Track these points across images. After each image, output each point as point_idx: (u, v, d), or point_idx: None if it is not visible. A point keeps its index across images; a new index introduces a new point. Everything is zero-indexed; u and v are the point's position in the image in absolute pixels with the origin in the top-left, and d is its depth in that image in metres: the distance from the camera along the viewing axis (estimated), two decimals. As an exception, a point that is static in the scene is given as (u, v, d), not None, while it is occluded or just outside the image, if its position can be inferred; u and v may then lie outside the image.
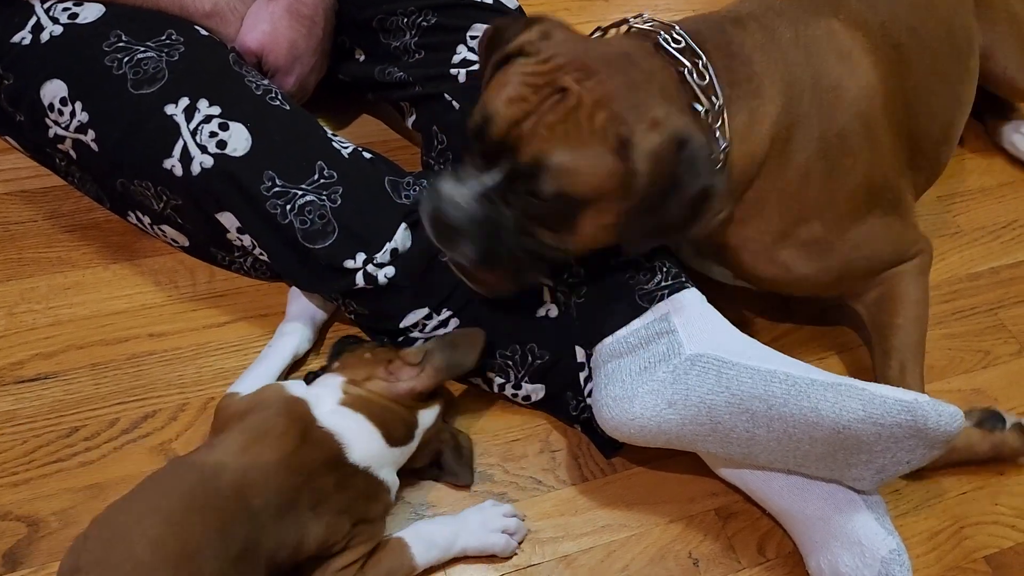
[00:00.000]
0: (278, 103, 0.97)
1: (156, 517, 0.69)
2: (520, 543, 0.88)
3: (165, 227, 1.02)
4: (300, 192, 0.91)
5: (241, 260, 1.02)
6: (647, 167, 0.76)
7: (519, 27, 0.85)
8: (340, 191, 0.92)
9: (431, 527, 0.86)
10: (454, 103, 1.04)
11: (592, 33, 0.91)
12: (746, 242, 0.93)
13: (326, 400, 0.82)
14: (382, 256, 0.90)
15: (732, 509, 0.95)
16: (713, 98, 0.83)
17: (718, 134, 0.83)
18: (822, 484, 0.86)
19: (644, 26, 0.87)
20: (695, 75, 0.82)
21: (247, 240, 0.95)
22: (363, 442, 0.81)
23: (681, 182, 0.77)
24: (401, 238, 0.91)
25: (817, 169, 0.91)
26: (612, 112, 0.76)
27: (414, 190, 0.96)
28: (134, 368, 0.95)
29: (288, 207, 0.90)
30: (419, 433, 0.85)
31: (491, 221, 0.80)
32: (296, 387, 0.85)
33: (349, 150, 0.98)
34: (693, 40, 0.84)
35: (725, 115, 0.84)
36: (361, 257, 0.90)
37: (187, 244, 1.04)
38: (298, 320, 0.98)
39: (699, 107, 0.82)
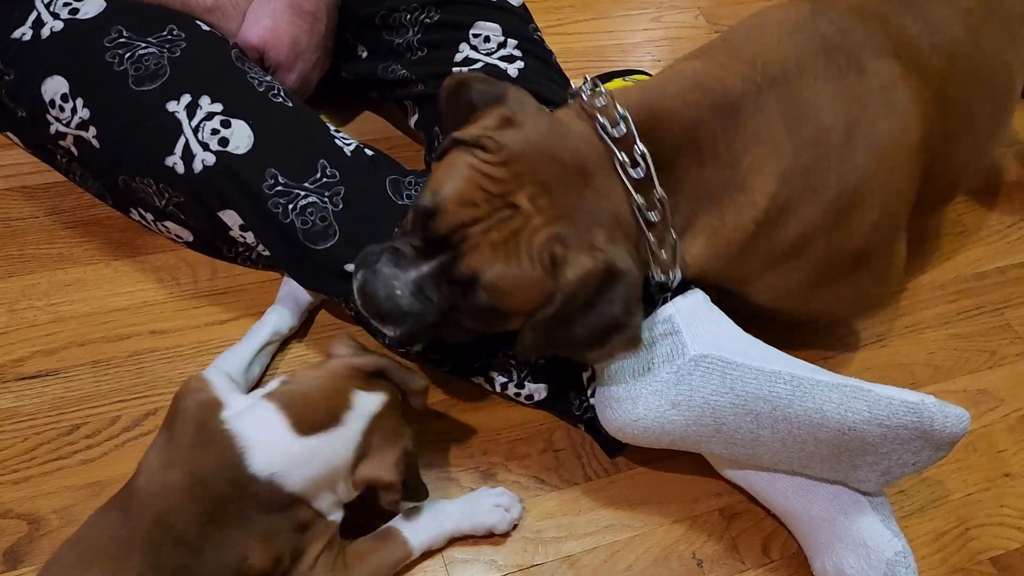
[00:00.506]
0: (280, 100, 0.97)
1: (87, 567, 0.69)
2: (516, 520, 0.89)
3: (168, 223, 1.01)
4: (302, 192, 0.91)
5: (246, 253, 1.02)
6: (570, 287, 0.76)
7: (484, 96, 0.82)
8: (342, 192, 0.91)
9: (424, 511, 0.85)
10: None
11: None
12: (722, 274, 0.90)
13: (240, 399, 0.77)
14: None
15: (736, 509, 0.94)
16: (654, 214, 0.81)
17: (663, 256, 0.83)
18: (827, 485, 0.85)
19: (595, 107, 0.82)
20: (638, 194, 0.80)
21: (250, 237, 0.95)
22: (264, 442, 0.73)
23: (595, 307, 0.78)
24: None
25: (817, 228, 0.87)
26: (554, 234, 0.76)
27: (415, 190, 0.95)
28: (135, 365, 0.95)
29: (290, 207, 0.90)
30: (353, 418, 0.76)
31: (419, 313, 0.80)
32: (219, 384, 0.79)
33: (352, 147, 0.97)
34: (653, 130, 0.80)
35: (672, 240, 0.82)
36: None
37: (191, 239, 1.04)
38: (282, 302, 0.98)
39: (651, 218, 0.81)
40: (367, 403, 0.77)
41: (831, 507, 0.84)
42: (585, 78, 0.86)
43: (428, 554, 0.86)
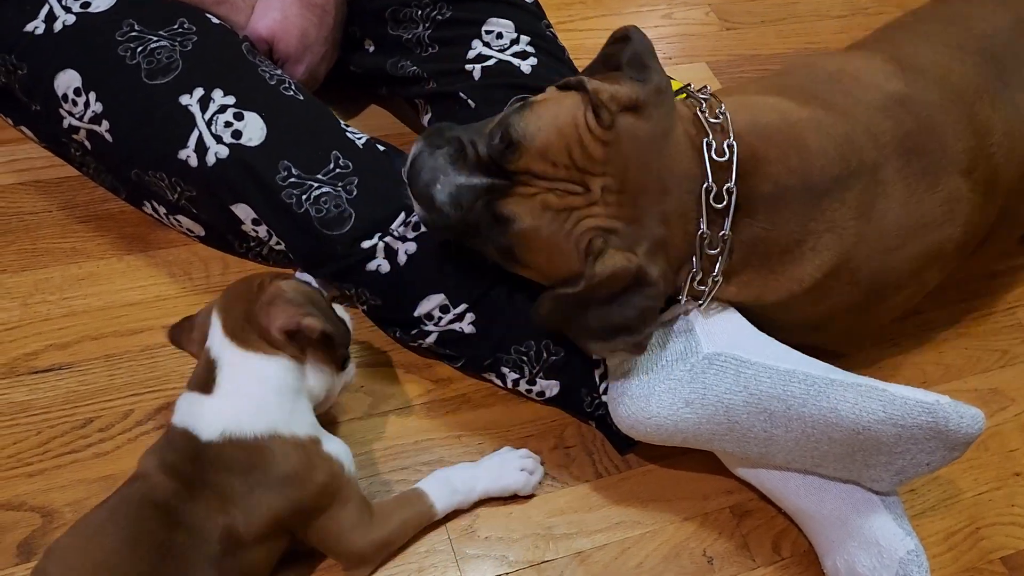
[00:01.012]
0: (292, 93, 0.96)
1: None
2: (539, 482, 0.91)
3: (180, 217, 1.01)
4: (315, 184, 0.91)
5: (258, 248, 1.02)
6: (596, 278, 0.77)
7: (634, 62, 0.81)
8: (355, 181, 0.91)
9: (449, 473, 0.87)
10: (469, 101, 1.04)
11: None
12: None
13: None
14: (402, 228, 0.90)
15: (747, 507, 0.94)
16: (713, 250, 0.81)
17: (700, 288, 0.83)
18: (839, 484, 0.85)
19: (710, 123, 0.81)
20: (710, 200, 0.79)
21: (263, 231, 0.95)
22: (200, 412, 0.76)
23: (613, 304, 0.79)
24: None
25: (845, 308, 0.90)
26: (604, 227, 0.77)
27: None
28: (148, 360, 0.95)
29: (304, 197, 0.90)
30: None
31: (446, 213, 0.81)
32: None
33: (363, 140, 0.97)
34: (746, 173, 0.80)
35: (717, 278, 0.83)
36: (378, 236, 0.90)
37: (203, 234, 1.04)
38: None
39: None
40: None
41: (843, 506, 0.84)
42: (705, 87, 0.87)
43: (439, 551, 0.86)
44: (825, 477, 0.85)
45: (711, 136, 0.80)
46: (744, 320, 0.88)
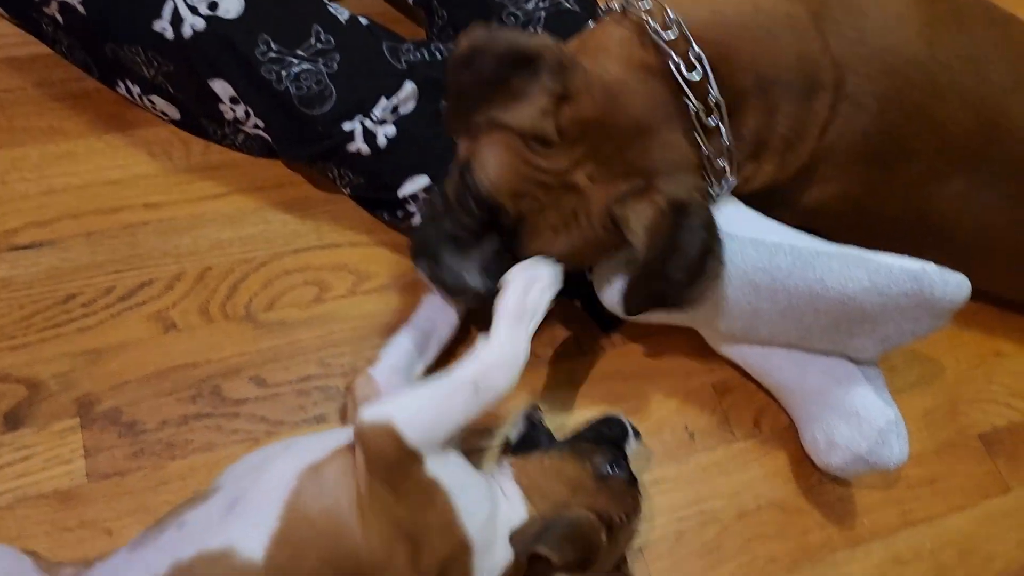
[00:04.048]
0: (270, -37, 0.93)
1: None
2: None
3: (155, 97, 0.99)
4: (296, 60, 0.88)
5: (232, 136, 1.00)
6: (643, 240, 0.73)
7: (511, 60, 0.71)
8: (337, 58, 0.89)
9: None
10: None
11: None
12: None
13: None
14: (382, 112, 0.88)
15: (729, 384, 0.95)
16: (712, 119, 0.76)
17: (719, 164, 0.79)
18: (822, 358, 0.86)
19: (656, 34, 0.75)
20: (703, 122, 0.76)
21: (240, 111, 0.92)
22: None
23: (679, 246, 0.74)
24: (404, 95, 0.88)
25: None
26: (611, 198, 0.74)
27: (414, 55, 0.93)
28: (129, 237, 0.94)
29: (284, 73, 0.87)
30: None
31: (491, 288, 0.77)
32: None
33: (345, 16, 0.94)
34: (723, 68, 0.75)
35: (728, 145, 0.78)
36: (359, 117, 0.88)
37: (177, 117, 1.01)
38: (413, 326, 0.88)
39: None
40: None
41: (825, 379, 0.85)
42: None
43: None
44: (808, 351, 0.86)
45: (674, 55, 0.74)
46: (733, 198, 0.87)
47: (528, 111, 0.71)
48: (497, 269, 0.77)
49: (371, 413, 0.66)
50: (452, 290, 0.80)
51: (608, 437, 0.80)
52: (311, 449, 0.69)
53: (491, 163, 0.74)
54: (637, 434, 0.82)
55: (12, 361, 0.85)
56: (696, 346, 0.94)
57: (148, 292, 0.91)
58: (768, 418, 0.94)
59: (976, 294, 1.00)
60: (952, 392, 0.97)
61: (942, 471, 0.94)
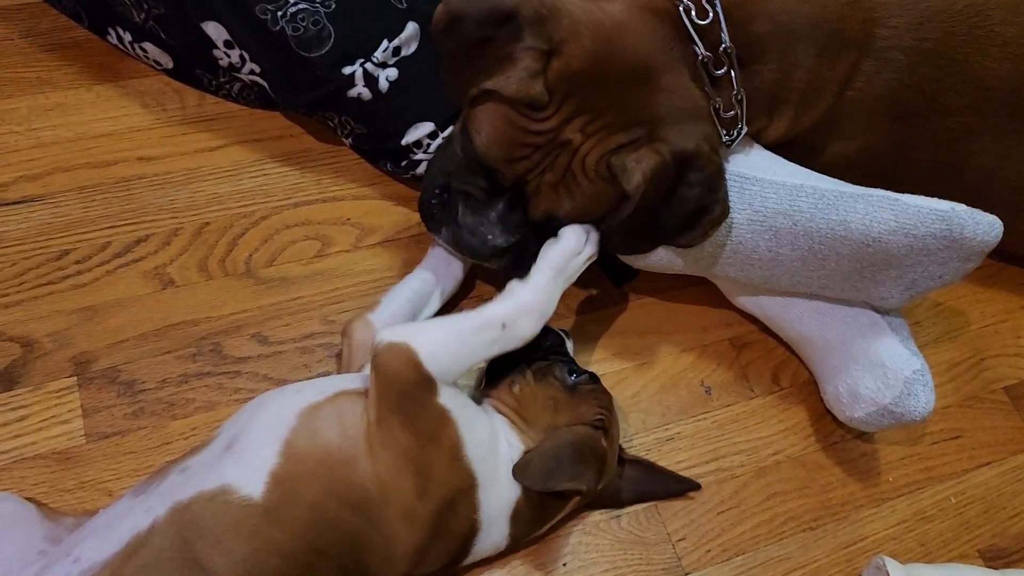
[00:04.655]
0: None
1: None
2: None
3: (147, 44, 0.95)
4: (291, 0, 0.84)
5: (228, 85, 0.96)
6: (639, 188, 0.69)
7: (488, 24, 0.68)
8: None
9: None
10: None
11: None
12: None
13: None
14: (383, 54, 0.84)
15: (746, 339, 0.92)
16: (722, 71, 0.73)
17: (729, 115, 0.75)
18: (844, 308, 0.82)
19: None
20: (709, 70, 0.73)
21: (235, 56, 0.89)
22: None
23: (676, 195, 0.72)
24: (406, 36, 0.85)
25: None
26: (605, 150, 0.71)
27: (416, -6, 0.89)
28: (124, 192, 0.91)
29: (279, 13, 0.84)
30: None
31: (517, 243, 0.77)
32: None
33: (344, -46, 0.90)
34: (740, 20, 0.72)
35: (739, 95, 0.75)
36: (360, 61, 0.84)
37: (171, 66, 0.97)
38: (426, 267, 0.86)
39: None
40: None
41: (848, 329, 0.82)
42: None
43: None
44: (830, 301, 0.83)
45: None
46: (752, 141, 0.83)
47: (514, 76, 0.68)
48: (516, 223, 0.76)
49: (391, 333, 0.65)
50: (478, 254, 0.78)
51: (551, 349, 0.78)
52: (310, 391, 0.68)
53: (483, 131, 0.72)
54: (568, 334, 0.81)
55: (5, 319, 0.82)
56: (713, 300, 0.91)
57: (145, 248, 0.88)
58: (787, 373, 0.91)
59: (1007, 257, 0.97)
60: (978, 346, 0.94)
61: (967, 426, 0.91)
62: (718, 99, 0.74)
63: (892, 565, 0.76)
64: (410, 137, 0.88)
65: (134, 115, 0.96)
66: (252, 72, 0.90)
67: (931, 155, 0.85)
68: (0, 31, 0.99)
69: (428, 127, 0.87)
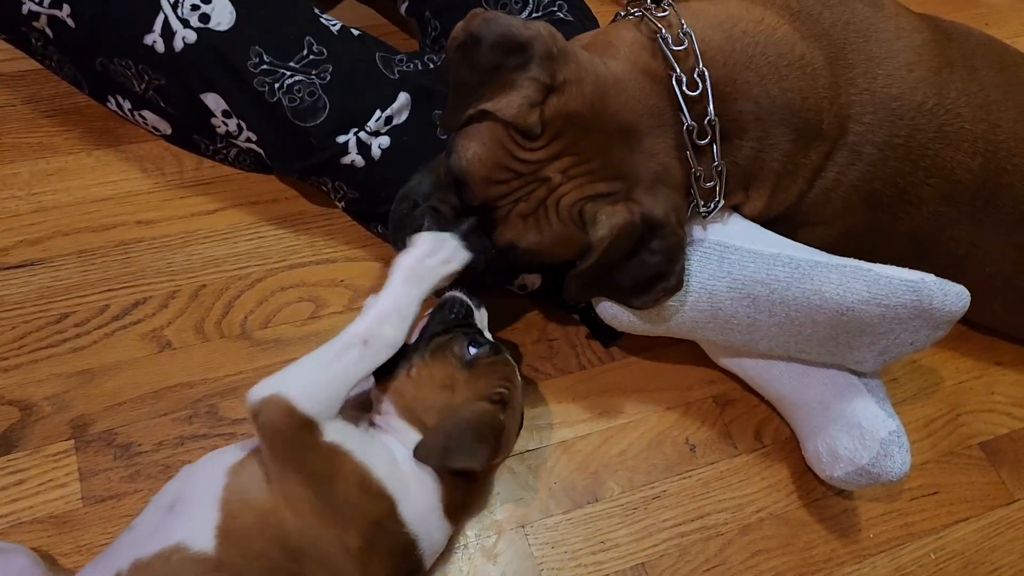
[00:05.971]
0: (261, -23, 0.92)
1: None
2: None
3: (146, 112, 0.98)
4: (288, 72, 0.87)
5: (225, 151, 0.99)
6: (604, 241, 0.73)
7: (504, 50, 0.71)
8: (330, 68, 0.88)
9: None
10: None
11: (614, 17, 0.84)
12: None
13: None
14: (376, 123, 0.87)
15: (729, 396, 0.95)
16: (705, 141, 0.76)
17: (706, 185, 0.78)
18: (822, 369, 0.85)
19: (665, 44, 0.75)
20: (694, 139, 0.76)
21: (232, 125, 0.92)
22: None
23: (636, 256, 0.76)
24: (398, 106, 0.88)
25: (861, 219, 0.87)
26: (583, 195, 0.74)
27: (407, 66, 0.92)
28: (123, 255, 0.93)
29: (276, 85, 0.87)
30: None
31: (471, 265, 0.77)
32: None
33: (337, 27, 0.93)
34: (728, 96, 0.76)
35: (719, 167, 0.78)
36: (353, 131, 0.87)
37: (169, 132, 1.00)
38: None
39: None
40: None
41: (826, 391, 0.85)
42: None
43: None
44: (808, 363, 0.85)
45: (678, 70, 0.74)
46: (734, 212, 0.86)
47: (514, 100, 0.71)
48: (476, 246, 0.77)
49: (260, 389, 0.67)
50: None
51: (455, 320, 0.78)
52: (232, 450, 0.71)
53: (471, 146, 0.74)
54: (479, 304, 0.81)
55: (4, 383, 0.84)
56: (696, 359, 0.94)
57: (143, 311, 0.90)
58: (770, 431, 0.93)
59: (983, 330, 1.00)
60: (953, 402, 0.97)
61: (945, 481, 0.93)
62: (700, 168, 0.77)
63: None
64: (402, 203, 0.91)
65: (133, 179, 0.99)
66: (249, 140, 0.93)
67: (905, 242, 0.89)
68: (3, 97, 1.02)
69: (420, 193, 0.90)
